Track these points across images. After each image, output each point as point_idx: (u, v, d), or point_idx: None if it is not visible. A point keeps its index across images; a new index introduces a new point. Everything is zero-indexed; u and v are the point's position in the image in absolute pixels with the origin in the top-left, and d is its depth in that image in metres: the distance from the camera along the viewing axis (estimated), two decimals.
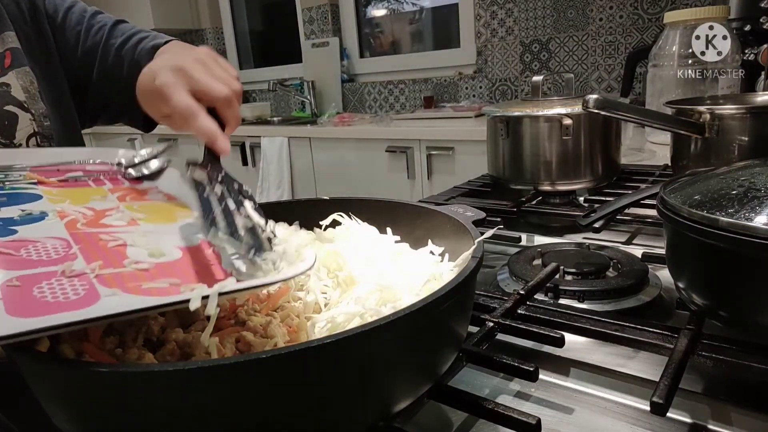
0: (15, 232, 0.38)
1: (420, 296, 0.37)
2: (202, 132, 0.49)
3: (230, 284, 0.34)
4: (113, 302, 0.30)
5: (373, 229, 0.54)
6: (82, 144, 0.78)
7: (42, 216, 0.42)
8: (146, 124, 0.79)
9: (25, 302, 0.29)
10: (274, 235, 0.41)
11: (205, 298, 0.32)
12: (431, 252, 0.50)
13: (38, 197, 0.45)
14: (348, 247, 0.51)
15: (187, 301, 0.31)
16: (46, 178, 0.50)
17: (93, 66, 0.74)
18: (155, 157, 0.56)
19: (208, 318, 0.43)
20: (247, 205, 0.42)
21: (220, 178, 0.45)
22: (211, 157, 0.48)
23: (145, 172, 0.55)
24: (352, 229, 0.54)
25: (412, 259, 0.49)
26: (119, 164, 0.57)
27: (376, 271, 0.46)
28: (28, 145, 0.68)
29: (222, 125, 0.52)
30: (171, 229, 0.43)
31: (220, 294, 0.32)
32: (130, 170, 0.55)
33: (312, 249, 0.40)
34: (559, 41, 2.33)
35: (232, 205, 0.42)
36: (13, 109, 0.67)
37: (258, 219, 0.41)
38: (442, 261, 0.48)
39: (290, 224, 0.58)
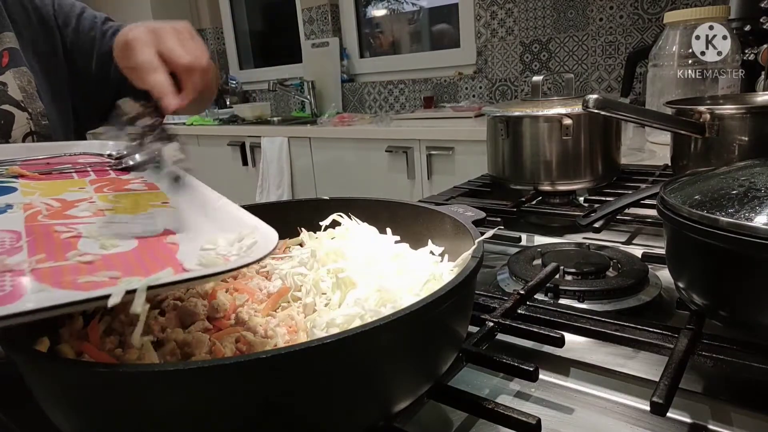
0: None
1: (420, 296, 0.37)
2: (154, 85, 0.51)
3: (165, 276, 0.31)
4: (37, 298, 0.29)
5: (373, 229, 0.54)
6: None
7: (5, 209, 0.41)
8: None
9: None
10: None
11: (132, 292, 0.29)
12: (431, 252, 0.50)
13: (13, 190, 0.46)
14: (348, 247, 0.51)
15: (116, 294, 0.29)
16: (30, 171, 0.50)
17: (110, 66, 0.77)
18: (142, 148, 0.57)
19: (209, 319, 0.43)
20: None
21: (152, 125, 0.47)
22: (156, 111, 0.50)
23: (131, 163, 0.55)
24: (352, 229, 0.54)
25: (412, 259, 0.49)
26: (109, 155, 0.57)
27: (375, 271, 0.46)
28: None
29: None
30: (137, 218, 0.43)
31: (154, 287, 0.30)
32: (121, 161, 0.56)
33: (276, 234, 0.37)
34: (559, 41, 2.33)
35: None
36: (10, 108, 0.68)
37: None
38: (442, 261, 0.48)
39: (290, 224, 0.59)
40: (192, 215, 0.43)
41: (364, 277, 0.45)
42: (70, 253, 0.35)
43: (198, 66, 0.56)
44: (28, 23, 0.73)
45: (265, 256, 0.33)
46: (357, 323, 0.39)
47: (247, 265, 0.32)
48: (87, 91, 0.78)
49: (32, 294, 0.29)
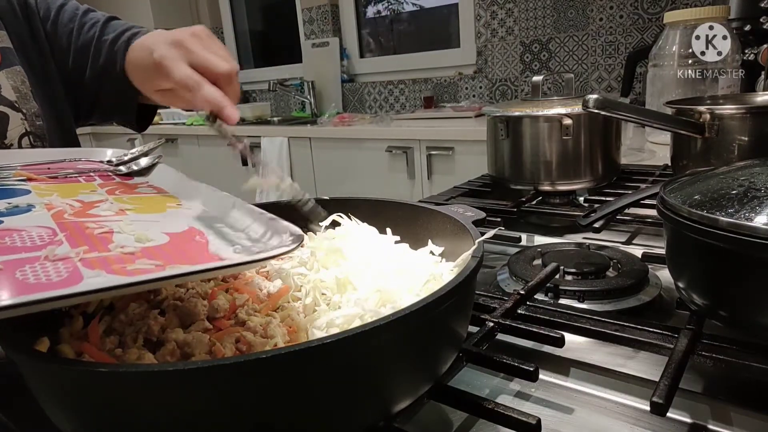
0: (0, 222, 0.38)
1: (420, 296, 0.37)
2: (209, 99, 0.49)
3: (213, 263, 0.33)
4: (97, 281, 0.30)
5: (373, 229, 0.54)
6: (77, 143, 0.78)
7: (29, 208, 0.42)
8: (139, 124, 0.79)
9: (7, 283, 0.29)
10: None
11: (188, 275, 0.32)
12: (431, 252, 0.50)
13: (27, 192, 0.46)
14: (348, 248, 0.51)
15: (170, 278, 0.31)
16: (36, 175, 0.50)
17: (86, 63, 0.73)
18: (146, 154, 0.57)
19: (209, 319, 0.43)
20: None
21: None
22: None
23: (135, 168, 0.55)
24: (352, 229, 0.54)
25: (412, 259, 0.49)
26: (110, 162, 0.57)
27: (375, 271, 0.46)
28: (20, 145, 0.68)
29: None
30: (159, 217, 0.44)
31: (201, 272, 0.32)
32: (121, 167, 0.56)
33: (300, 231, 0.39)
34: (559, 41, 2.33)
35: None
36: (4, 109, 0.67)
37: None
38: (442, 261, 0.48)
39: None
40: (212, 214, 0.44)
41: (363, 277, 0.45)
42: (110, 245, 0.36)
43: (235, 70, 0.54)
44: (15, 19, 0.71)
45: (297, 246, 0.35)
46: (357, 323, 0.39)
47: (283, 254, 0.34)
48: (68, 87, 0.75)
49: (89, 279, 0.30)
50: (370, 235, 0.53)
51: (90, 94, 0.76)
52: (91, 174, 0.54)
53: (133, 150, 0.57)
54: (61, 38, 0.74)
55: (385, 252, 0.50)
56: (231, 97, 0.53)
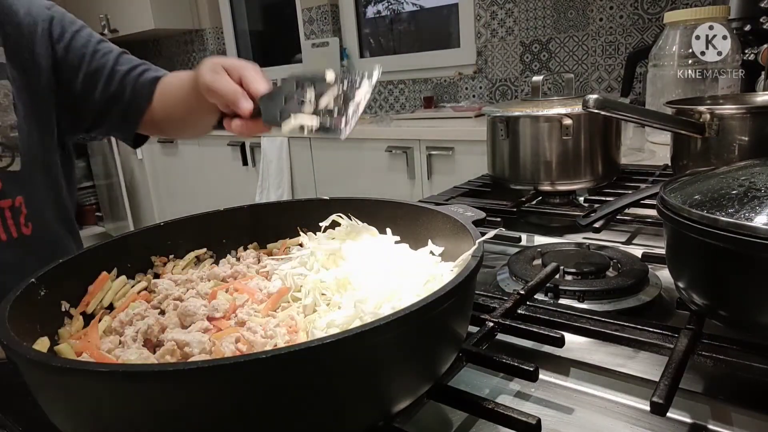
0: None
1: (420, 296, 0.37)
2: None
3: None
4: None
5: (373, 230, 0.54)
6: (55, 154, 0.82)
7: None
8: (136, 140, 0.88)
9: None
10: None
11: None
12: (431, 252, 0.50)
13: None
14: (347, 248, 0.51)
15: None
16: None
17: (96, 86, 0.81)
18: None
19: (209, 318, 0.43)
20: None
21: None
22: None
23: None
24: (352, 230, 0.54)
25: (412, 259, 0.49)
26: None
27: (375, 271, 0.46)
28: None
29: None
30: None
31: None
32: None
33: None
34: (559, 41, 2.33)
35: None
36: None
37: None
38: (441, 261, 0.48)
39: (290, 224, 0.59)
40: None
41: (363, 277, 0.45)
42: None
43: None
44: (19, 34, 0.75)
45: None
46: (357, 323, 0.39)
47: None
48: (70, 104, 0.81)
49: None
50: (369, 235, 0.53)
51: (95, 113, 0.83)
52: None
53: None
54: (73, 60, 0.80)
55: (385, 252, 0.50)
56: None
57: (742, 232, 0.37)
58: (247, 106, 0.61)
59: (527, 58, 2.44)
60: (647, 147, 1.38)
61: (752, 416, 0.39)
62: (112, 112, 0.83)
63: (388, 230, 0.53)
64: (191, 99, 0.75)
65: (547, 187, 0.91)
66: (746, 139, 0.70)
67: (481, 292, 0.56)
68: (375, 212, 0.55)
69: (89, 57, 0.81)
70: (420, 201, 0.73)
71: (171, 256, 0.55)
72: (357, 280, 0.45)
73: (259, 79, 0.63)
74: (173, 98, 0.82)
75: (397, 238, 0.53)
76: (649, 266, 0.62)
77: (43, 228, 0.77)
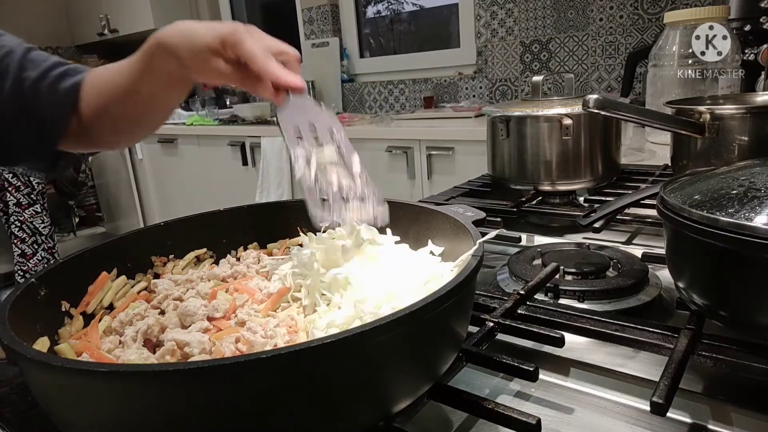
0: None
1: (420, 296, 0.37)
2: (276, 73, 0.51)
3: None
4: None
5: (373, 230, 0.54)
6: None
7: None
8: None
9: None
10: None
11: None
12: (431, 252, 0.50)
13: None
14: (347, 248, 0.51)
15: None
16: None
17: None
18: None
19: (209, 318, 0.43)
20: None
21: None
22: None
23: None
24: (351, 230, 0.54)
25: (412, 260, 0.49)
26: None
27: (375, 271, 0.46)
28: None
29: None
30: None
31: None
32: None
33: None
34: (559, 41, 2.33)
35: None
36: None
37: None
38: (441, 261, 0.48)
39: (290, 224, 0.59)
40: None
41: (363, 277, 0.45)
42: None
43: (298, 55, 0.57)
44: None
45: None
46: (357, 324, 0.39)
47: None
48: None
49: None
50: (370, 235, 0.53)
51: None
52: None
53: None
54: None
55: (385, 252, 0.50)
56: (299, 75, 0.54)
57: (742, 232, 0.37)
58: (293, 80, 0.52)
59: (527, 58, 2.44)
60: (647, 147, 1.38)
61: (752, 416, 0.39)
62: (20, 133, 0.64)
63: (388, 230, 0.53)
64: (143, 86, 0.61)
65: (547, 187, 0.91)
66: (746, 139, 0.70)
67: (481, 292, 0.56)
68: None
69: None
70: (420, 201, 0.73)
71: (171, 256, 0.55)
72: (357, 280, 0.45)
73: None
74: (111, 94, 0.65)
75: (397, 238, 0.52)
76: (649, 266, 0.62)
77: None
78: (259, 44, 0.52)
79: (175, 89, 0.63)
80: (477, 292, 0.54)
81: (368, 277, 0.45)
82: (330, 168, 0.49)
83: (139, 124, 0.71)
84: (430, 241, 0.51)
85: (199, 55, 0.55)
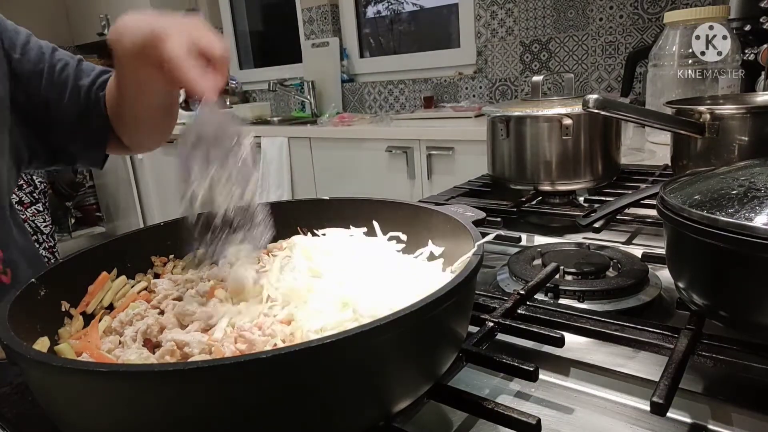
0: None
1: (419, 297, 0.37)
2: (189, 80, 0.48)
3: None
4: None
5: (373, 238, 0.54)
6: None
7: None
8: (103, 162, 0.78)
9: None
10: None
11: None
12: (431, 252, 0.50)
13: None
14: (345, 250, 0.51)
15: None
16: None
17: (59, 106, 0.70)
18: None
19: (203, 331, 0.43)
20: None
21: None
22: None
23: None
24: (341, 234, 0.54)
25: (405, 261, 0.49)
26: None
27: (374, 272, 0.46)
28: None
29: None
30: None
31: None
32: None
33: None
34: (559, 41, 2.33)
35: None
36: None
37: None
38: (441, 261, 0.48)
39: (290, 224, 0.59)
40: None
41: (362, 278, 0.45)
42: None
43: (228, 54, 0.53)
44: None
45: None
46: (354, 325, 0.39)
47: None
48: (29, 131, 0.71)
49: None
50: (363, 242, 0.53)
51: (63, 135, 0.72)
52: None
53: None
54: (30, 78, 0.68)
55: (384, 253, 0.50)
56: (219, 81, 0.51)
57: (742, 232, 0.37)
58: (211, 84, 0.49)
59: (527, 57, 2.44)
60: (647, 147, 1.38)
61: (752, 416, 0.39)
62: (78, 136, 0.73)
63: (375, 224, 0.53)
64: (121, 77, 0.63)
65: (547, 187, 0.91)
66: (746, 139, 0.70)
67: (481, 292, 0.56)
68: (375, 212, 0.55)
69: (48, 73, 0.69)
70: (420, 201, 0.73)
71: (171, 256, 0.55)
72: (355, 281, 0.45)
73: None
74: (111, 92, 0.71)
75: (394, 242, 0.52)
76: (649, 266, 0.61)
77: (20, 273, 0.69)
78: (181, 44, 0.50)
79: (146, 77, 0.61)
80: (477, 292, 0.54)
81: (367, 278, 0.45)
82: (220, 191, 0.45)
83: (145, 120, 0.73)
84: (430, 241, 0.51)
85: (128, 56, 0.55)
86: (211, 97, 0.48)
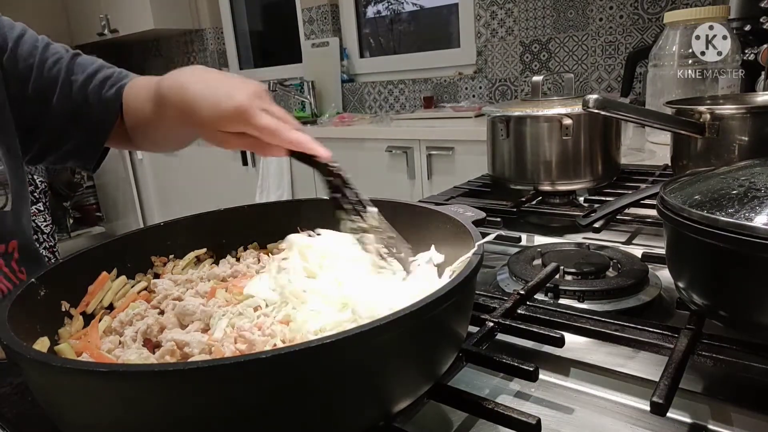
0: None
1: (418, 297, 0.37)
2: (296, 141, 0.51)
3: None
4: None
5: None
6: (24, 181, 0.71)
7: None
8: (97, 163, 0.75)
9: None
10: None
11: None
12: (431, 257, 0.50)
13: None
14: (344, 251, 0.50)
15: None
16: None
17: (49, 102, 0.68)
18: None
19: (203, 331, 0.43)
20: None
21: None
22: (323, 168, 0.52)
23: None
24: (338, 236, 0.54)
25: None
26: None
27: (369, 273, 0.46)
28: None
29: None
30: None
31: None
32: None
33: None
34: (559, 41, 2.33)
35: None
36: None
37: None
38: (442, 261, 0.48)
39: (290, 224, 0.58)
40: None
41: (360, 279, 0.45)
42: None
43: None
44: None
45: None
46: (352, 325, 0.39)
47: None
48: (21, 127, 0.69)
49: None
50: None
51: (52, 133, 0.70)
52: None
53: None
54: (21, 72, 0.67)
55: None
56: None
57: (742, 232, 0.37)
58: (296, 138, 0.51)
59: (527, 58, 2.44)
60: (647, 147, 1.38)
61: (752, 416, 0.39)
62: (74, 129, 0.70)
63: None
64: (157, 117, 0.63)
65: (547, 187, 0.91)
66: (746, 139, 0.70)
67: (481, 292, 0.56)
68: None
69: (38, 68, 0.67)
70: (420, 201, 0.73)
71: (171, 256, 0.55)
72: (353, 282, 0.45)
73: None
74: (139, 113, 0.69)
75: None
76: (649, 266, 0.62)
77: (35, 271, 0.68)
78: (271, 115, 0.52)
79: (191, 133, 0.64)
80: (477, 292, 0.54)
81: (366, 278, 0.45)
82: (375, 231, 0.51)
83: (167, 144, 0.75)
84: (433, 246, 0.50)
85: (218, 122, 0.53)
86: (328, 156, 0.51)
